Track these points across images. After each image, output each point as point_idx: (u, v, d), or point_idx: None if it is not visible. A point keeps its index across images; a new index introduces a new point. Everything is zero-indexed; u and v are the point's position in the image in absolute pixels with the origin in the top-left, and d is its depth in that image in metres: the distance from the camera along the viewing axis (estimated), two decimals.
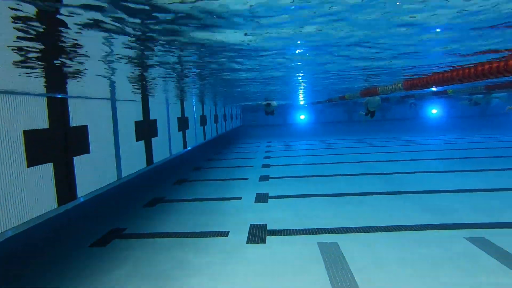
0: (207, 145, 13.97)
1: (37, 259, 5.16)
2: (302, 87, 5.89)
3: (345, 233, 5.59)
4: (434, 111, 25.70)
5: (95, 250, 5.39)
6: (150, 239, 5.75)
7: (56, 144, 3.91)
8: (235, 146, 19.85)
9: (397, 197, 7.57)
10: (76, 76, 3.01)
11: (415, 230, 5.59)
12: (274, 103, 13.82)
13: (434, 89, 9.83)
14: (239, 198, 8.02)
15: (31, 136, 3.49)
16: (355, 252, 4.83)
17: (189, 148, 9.80)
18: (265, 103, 13.79)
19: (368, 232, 5.59)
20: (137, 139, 6.26)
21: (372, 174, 10.24)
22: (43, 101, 3.73)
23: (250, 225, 6.14)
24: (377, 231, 5.59)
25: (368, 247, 5.00)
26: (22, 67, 2.36)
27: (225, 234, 5.78)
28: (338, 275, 4.23)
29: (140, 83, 3.26)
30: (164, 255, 5.08)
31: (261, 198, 7.99)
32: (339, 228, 5.79)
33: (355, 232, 5.60)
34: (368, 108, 11.43)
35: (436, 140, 19.10)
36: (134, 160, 6.08)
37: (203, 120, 11.85)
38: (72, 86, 3.57)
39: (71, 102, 4.21)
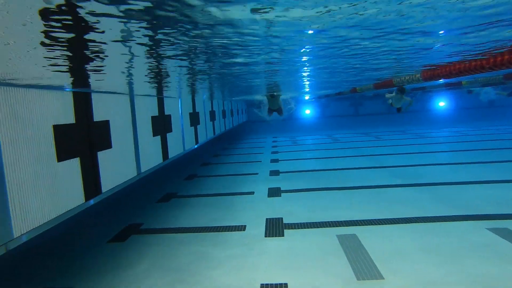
0: (216, 140, 13.97)
1: (60, 254, 5.19)
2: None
3: (363, 225, 5.58)
4: (441, 103, 25.46)
5: (114, 245, 5.42)
6: (167, 234, 5.77)
7: (82, 139, 3.92)
8: (241, 141, 19.85)
9: (412, 189, 7.55)
10: (97, 69, 3.01)
11: (433, 221, 5.57)
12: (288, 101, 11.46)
13: (441, 80, 9.74)
14: (252, 193, 8.03)
15: (60, 131, 3.49)
16: (375, 244, 4.83)
17: (200, 143, 9.81)
18: (268, 96, 10.75)
19: (386, 224, 5.58)
20: (154, 134, 6.26)
21: (383, 167, 10.22)
22: (69, 95, 3.73)
23: (266, 219, 6.15)
24: (395, 223, 5.58)
25: (387, 239, 5.00)
26: (50, 57, 2.35)
27: (242, 228, 5.78)
28: (360, 265, 4.24)
29: (155, 68, 3.23)
30: (183, 249, 5.10)
31: (274, 192, 8.00)
32: (356, 220, 5.79)
33: (373, 224, 5.59)
34: (392, 105, 10.98)
35: (444, 132, 19.01)
36: (151, 155, 6.09)
37: (212, 116, 11.84)
38: (94, 80, 3.57)
39: (94, 97, 4.22)
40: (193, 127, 9.14)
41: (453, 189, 7.41)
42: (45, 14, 1.49)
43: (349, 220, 5.80)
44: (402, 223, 5.56)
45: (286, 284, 3.93)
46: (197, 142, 9.44)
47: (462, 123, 22.50)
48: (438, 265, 4.16)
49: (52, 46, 2.07)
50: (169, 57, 2.77)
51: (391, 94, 10.07)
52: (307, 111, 27.15)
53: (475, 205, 6.23)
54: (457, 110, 25.05)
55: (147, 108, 6.03)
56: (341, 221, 5.78)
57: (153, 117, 6.26)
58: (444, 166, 10.12)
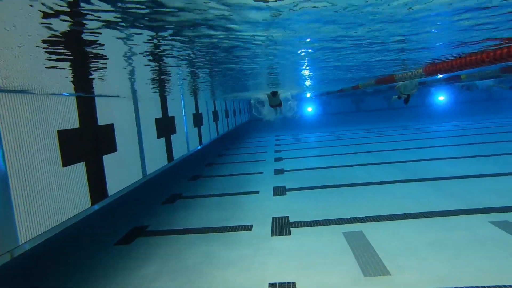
0: (219, 140, 13.98)
1: (68, 258, 5.23)
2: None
3: (369, 222, 5.58)
4: (441, 97, 25.43)
5: (120, 248, 5.44)
6: (173, 235, 5.79)
7: (87, 143, 3.95)
8: (244, 140, 19.86)
9: (415, 185, 7.55)
10: (99, 69, 3.01)
11: (438, 216, 5.57)
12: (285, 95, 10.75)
13: (439, 76, 9.60)
14: (257, 192, 8.04)
15: (64, 136, 3.52)
16: (381, 240, 4.84)
17: (204, 144, 9.83)
18: (269, 93, 10.25)
19: (391, 220, 5.58)
20: (158, 136, 6.29)
21: (386, 163, 10.20)
22: (73, 100, 3.76)
23: (272, 218, 6.16)
24: (400, 219, 5.58)
25: (393, 235, 5.00)
26: (52, 58, 2.36)
27: (248, 228, 5.80)
28: (368, 263, 4.24)
29: (157, 69, 3.20)
30: (190, 250, 5.11)
31: (279, 191, 8.01)
32: (362, 217, 5.79)
33: (378, 221, 5.59)
34: (401, 92, 9.69)
35: (445, 127, 18.95)
36: (156, 158, 6.11)
37: (215, 116, 11.86)
38: (98, 85, 3.59)
39: (97, 101, 4.24)
40: (196, 128, 9.16)
41: (456, 183, 7.40)
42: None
43: (355, 217, 5.80)
44: (407, 219, 5.56)
45: (294, 283, 3.94)
46: (201, 142, 9.47)
47: (462, 117, 22.41)
48: (445, 260, 4.16)
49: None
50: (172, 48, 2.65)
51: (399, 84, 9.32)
52: (309, 109, 27.16)
53: (477, 199, 6.21)
54: (457, 104, 25.02)
55: (151, 110, 6.06)
56: (347, 218, 5.79)
57: (157, 119, 6.29)
58: (446, 160, 10.08)
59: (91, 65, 2.43)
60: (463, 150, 11.69)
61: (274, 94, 10.18)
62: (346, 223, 5.60)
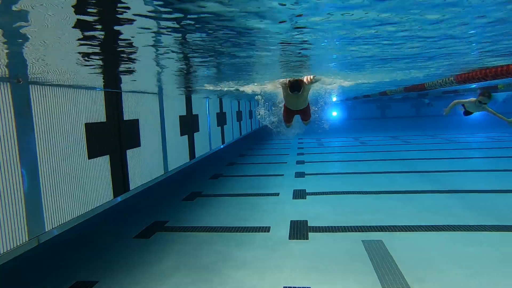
0: (242, 140, 14.02)
1: (88, 248, 5.36)
2: None
3: (390, 231, 5.44)
4: None
5: (140, 241, 5.53)
6: (191, 232, 5.84)
7: (112, 137, 4.04)
8: (267, 142, 19.83)
9: (442, 196, 7.30)
10: (128, 71, 3.06)
11: (464, 230, 5.36)
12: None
13: (473, 86, 9.20)
14: (277, 194, 8.00)
15: (91, 129, 3.62)
16: (402, 251, 4.70)
17: (227, 143, 9.88)
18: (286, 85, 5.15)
19: (414, 231, 5.42)
20: (181, 134, 6.37)
21: (412, 172, 9.93)
22: (101, 94, 3.86)
23: (291, 221, 6.10)
24: (424, 230, 5.41)
25: (415, 246, 4.85)
26: (84, 56, 2.41)
27: (266, 229, 5.77)
28: (386, 273, 4.13)
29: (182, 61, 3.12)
30: (207, 248, 5.14)
31: (299, 194, 7.94)
32: (383, 226, 5.65)
33: (400, 231, 5.44)
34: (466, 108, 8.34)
35: (477, 138, 18.26)
36: (179, 155, 6.19)
37: (239, 116, 11.90)
38: (125, 81, 3.67)
39: (124, 96, 4.33)
40: (219, 127, 9.22)
41: (486, 197, 7.10)
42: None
43: (376, 226, 5.67)
44: (431, 231, 5.38)
45: None
46: (223, 142, 9.52)
47: (496, 128, 21.47)
48: (469, 276, 3.99)
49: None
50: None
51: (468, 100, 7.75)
52: (334, 113, 26.86)
53: (507, 215, 5.94)
54: (490, 115, 23.92)
55: (175, 108, 6.14)
56: (368, 226, 5.66)
57: (181, 117, 6.37)
58: (477, 172, 9.71)
59: (121, 55, 2.45)
60: (496, 163, 11.21)
61: (296, 87, 4.98)
62: (366, 231, 5.47)
